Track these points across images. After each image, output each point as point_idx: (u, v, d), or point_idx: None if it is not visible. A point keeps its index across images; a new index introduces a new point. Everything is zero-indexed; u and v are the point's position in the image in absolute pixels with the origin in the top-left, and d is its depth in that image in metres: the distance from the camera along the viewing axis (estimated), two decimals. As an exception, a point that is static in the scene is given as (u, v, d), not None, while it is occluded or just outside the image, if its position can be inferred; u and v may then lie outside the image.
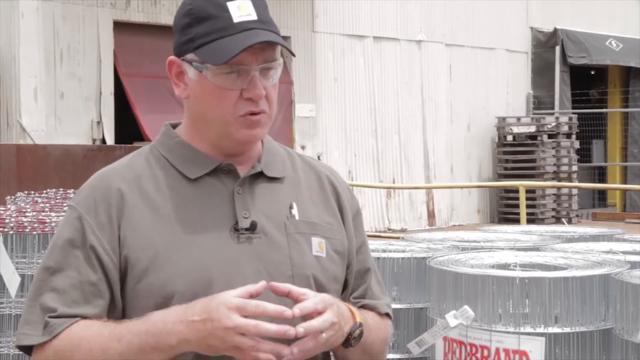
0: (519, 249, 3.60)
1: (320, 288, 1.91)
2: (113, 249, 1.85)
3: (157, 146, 1.98)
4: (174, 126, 2.02)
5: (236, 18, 1.86)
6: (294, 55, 2.02)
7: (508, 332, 2.91)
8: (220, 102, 1.87)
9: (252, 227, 1.89)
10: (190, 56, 1.89)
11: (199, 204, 1.90)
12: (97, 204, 1.88)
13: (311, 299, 1.79)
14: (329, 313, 1.79)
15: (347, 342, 1.87)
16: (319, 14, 14.53)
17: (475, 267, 3.10)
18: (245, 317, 1.70)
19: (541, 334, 2.89)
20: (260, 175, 1.96)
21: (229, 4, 1.87)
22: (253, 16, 1.88)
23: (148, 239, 1.85)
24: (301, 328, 1.74)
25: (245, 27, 1.86)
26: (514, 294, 2.92)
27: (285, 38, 13.90)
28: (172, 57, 1.94)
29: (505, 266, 3.18)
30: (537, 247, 3.71)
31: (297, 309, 1.75)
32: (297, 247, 1.92)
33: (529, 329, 2.91)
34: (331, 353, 2.00)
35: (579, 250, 3.57)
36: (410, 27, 15.80)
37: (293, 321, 1.76)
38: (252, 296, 1.74)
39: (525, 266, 3.18)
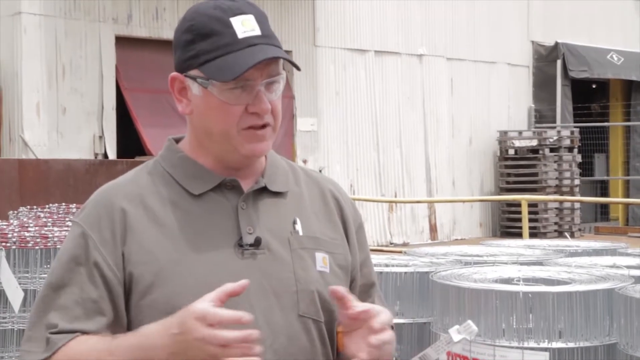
0: (522, 264, 3.59)
1: (324, 303, 1.91)
2: (117, 265, 1.85)
3: (161, 161, 1.98)
4: (177, 140, 2.02)
5: (240, 34, 1.86)
6: (299, 69, 2.01)
7: (512, 347, 2.91)
8: (226, 118, 1.87)
9: (257, 243, 1.88)
10: (194, 72, 1.89)
11: (203, 220, 1.89)
12: (100, 220, 1.88)
13: (383, 313, 1.83)
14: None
15: None
16: (320, 28, 14.56)
17: (478, 282, 3.10)
18: (212, 325, 1.68)
19: (545, 349, 2.88)
20: (264, 190, 1.96)
21: (232, 19, 1.87)
22: (257, 31, 1.88)
23: (152, 255, 1.85)
24: (374, 340, 1.79)
25: (250, 42, 1.86)
26: (518, 309, 2.92)
27: (287, 52, 13.88)
28: (175, 74, 1.93)
29: (508, 281, 3.17)
30: (541, 261, 3.71)
31: (378, 324, 1.80)
32: (302, 263, 1.92)
33: (532, 344, 2.90)
34: None
35: (583, 265, 3.57)
36: (412, 41, 15.83)
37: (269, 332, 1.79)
38: (230, 295, 1.71)
39: (528, 281, 3.18)
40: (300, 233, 1.95)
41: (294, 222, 1.96)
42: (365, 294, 2.05)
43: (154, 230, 1.87)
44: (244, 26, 1.87)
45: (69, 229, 1.96)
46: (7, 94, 11.40)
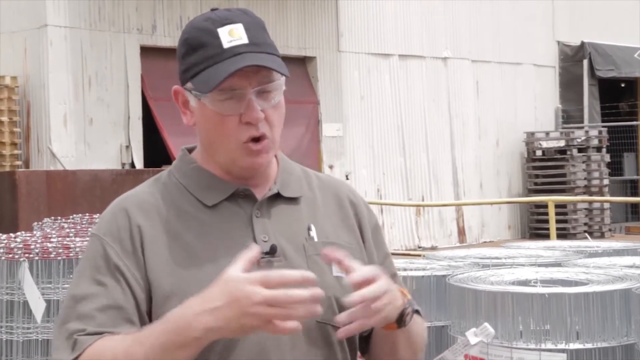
0: (539, 265, 3.58)
1: (341, 308, 1.90)
2: (140, 274, 1.86)
3: (175, 172, 1.99)
4: (190, 150, 2.03)
5: (226, 44, 1.87)
6: (286, 75, 1.94)
7: (529, 349, 2.90)
8: (222, 129, 1.89)
9: (272, 251, 1.89)
10: (189, 85, 1.91)
11: (218, 230, 1.90)
12: (120, 231, 1.90)
13: (368, 268, 1.79)
14: (381, 281, 1.78)
15: (401, 320, 1.86)
16: (344, 34, 14.57)
17: (495, 284, 3.09)
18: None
19: (562, 350, 2.87)
20: (277, 197, 1.97)
21: (219, 30, 1.88)
22: (244, 40, 1.88)
23: (169, 266, 1.86)
24: (356, 296, 1.73)
25: (235, 52, 1.86)
26: (535, 311, 2.91)
27: (311, 58, 13.96)
28: (176, 87, 1.96)
29: (525, 283, 3.17)
30: (559, 262, 3.69)
31: (359, 276, 1.74)
32: (317, 269, 1.91)
33: (550, 346, 2.89)
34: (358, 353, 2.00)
35: (601, 265, 3.55)
36: (436, 44, 15.80)
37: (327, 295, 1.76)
38: (251, 263, 1.71)
39: (546, 282, 3.17)
40: (315, 239, 1.95)
41: (309, 228, 1.96)
42: None
43: (170, 241, 1.89)
44: (231, 36, 1.87)
45: (89, 241, 1.97)
46: (34, 106, 11.51)
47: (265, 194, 1.95)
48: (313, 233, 1.96)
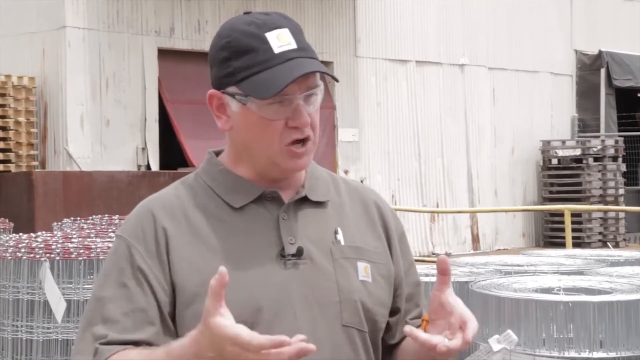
0: (562, 273, 3.57)
1: (367, 313, 1.91)
2: (164, 276, 1.86)
3: (202, 175, 1.99)
4: (217, 153, 2.03)
5: (276, 49, 1.86)
6: (337, 80, 1.99)
7: (552, 357, 2.89)
8: (266, 133, 1.88)
9: (299, 253, 1.89)
10: (232, 89, 1.89)
11: (245, 232, 1.90)
12: (145, 233, 1.90)
13: (465, 314, 1.80)
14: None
15: None
16: (361, 39, 14.58)
17: (518, 291, 3.08)
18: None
19: (586, 359, 2.86)
20: (304, 200, 1.96)
21: (267, 34, 1.87)
22: (293, 45, 1.87)
23: (195, 267, 1.86)
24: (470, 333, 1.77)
25: (287, 57, 1.86)
26: (558, 318, 2.90)
27: (328, 63, 13.97)
28: (213, 91, 1.93)
29: (548, 290, 3.16)
30: (582, 271, 3.68)
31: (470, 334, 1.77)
32: (344, 272, 1.92)
33: (573, 354, 2.88)
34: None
35: (624, 274, 3.53)
36: (453, 51, 15.79)
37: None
38: (222, 287, 1.64)
39: (569, 290, 3.16)
40: (342, 242, 1.95)
41: (336, 232, 1.96)
42: (411, 301, 2.05)
43: (197, 243, 1.88)
44: (280, 40, 1.87)
45: (113, 242, 1.97)
46: (51, 107, 11.55)
47: (292, 197, 1.95)
48: (340, 236, 1.96)
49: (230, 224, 1.91)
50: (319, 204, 1.98)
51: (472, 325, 1.79)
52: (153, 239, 1.89)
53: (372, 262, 1.97)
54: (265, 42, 1.87)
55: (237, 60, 1.88)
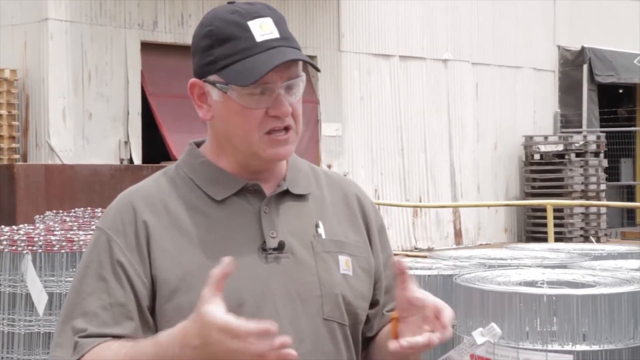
0: (546, 267, 3.58)
1: (348, 306, 1.91)
2: (144, 270, 1.85)
3: (183, 166, 1.98)
4: (199, 144, 2.02)
5: (259, 37, 1.85)
6: (318, 70, 1.99)
7: (535, 350, 2.90)
8: (246, 122, 1.87)
9: (280, 247, 1.88)
10: (213, 78, 1.88)
11: (226, 225, 1.89)
12: (124, 225, 1.88)
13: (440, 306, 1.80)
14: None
15: None
16: (345, 34, 14.57)
17: (502, 285, 3.09)
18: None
19: (569, 352, 2.87)
20: (286, 193, 1.95)
21: (250, 23, 1.87)
22: (275, 34, 1.87)
23: (176, 260, 1.85)
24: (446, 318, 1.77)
25: (269, 45, 1.85)
26: (541, 312, 2.91)
27: (312, 57, 13.95)
28: (194, 80, 1.92)
29: (532, 283, 3.16)
30: (565, 264, 3.69)
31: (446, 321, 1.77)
32: (325, 266, 1.91)
33: (556, 347, 2.89)
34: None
35: (607, 268, 3.55)
36: (437, 46, 15.81)
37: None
38: (223, 278, 1.65)
39: (552, 284, 3.16)
40: (323, 236, 1.95)
41: (317, 226, 1.96)
42: (389, 294, 2.05)
43: (178, 236, 1.87)
44: (262, 29, 1.86)
45: (93, 234, 1.96)
46: (33, 99, 11.49)
47: (274, 190, 1.94)
48: (321, 230, 1.95)
49: (212, 217, 1.89)
50: (300, 197, 1.97)
51: (447, 311, 1.79)
52: (133, 232, 1.87)
53: (353, 256, 1.97)
54: (248, 30, 1.86)
55: (219, 48, 1.87)
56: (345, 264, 1.94)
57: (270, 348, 1.61)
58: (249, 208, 1.91)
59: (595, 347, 2.88)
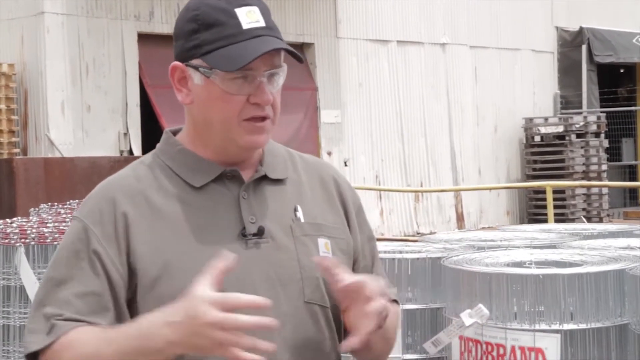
0: (535, 247, 3.59)
1: (329, 288, 1.92)
2: (120, 260, 1.86)
3: (160, 155, 1.99)
4: (175, 132, 2.03)
5: (245, 25, 1.87)
6: (301, 61, 1.98)
7: (523, 330, 2.91)
8: (226, 107, 1.88)
9: (260, 232, 1.90)
10: (196, 62, 1.89)
11: (206, 212, 1.91)
12: (102, 215, 1.89)
13: (370, 283, 1.82)
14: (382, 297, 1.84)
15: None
16: (342, 20, 14.55)
17: (490, 266, 3.10)
18: (226, 311, 1.67)
19: (556, 331, 2.89)
20: (264, 179, 1.97)
21: (237, 10, 1.88)
22: (262, 23, 1.89)
23: (156, 249, 1.86)
24: (373, 313, 1.80)
25: (255, 33, 1.87)
26: (529, 292, 2.92)
27: (309, 45, 13.94)
28: (175, 63, 1.94)
29: (520, 264, 3.17)
30: (554, 244, 3.70)
31: (375, 294, 1.80)
32: (305, 250, 1.93)
33: (544, 326, 2.90)
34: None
35: (596, 247, 3.56)
36: (434, 30, 15.78)
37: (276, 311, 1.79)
38: (224, 273, 1.72)
39: (540, 264, 3.17)
40: (302, 220, 1.96)
41: (295, 209, 1.97)
42: (369, 273, 2.05)
43: (157, 224, 1.88)
44: (249, 17, 1.88)
45: (70, 224, 1.97)
46: (32, 93, 11.50)
47: (252, 176, 1.95)
48: (300, 214, 1.97)
49: (191, 204, 1.91)
50: (278, 182, 1.99)
51: (374, 283, 1.83)
52: (112, 222, 1.88)
53: (332, 238, 1.99)
54: (235, 17, 1.88)
55: (205, 33, 1.89)
56: (324, 246, 1.96)
57: (251, 323, 1.66)
58: (228, 194, 1.93)
59: (583, 326, 2.90)
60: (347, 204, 2.06)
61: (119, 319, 1.85)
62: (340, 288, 1.82)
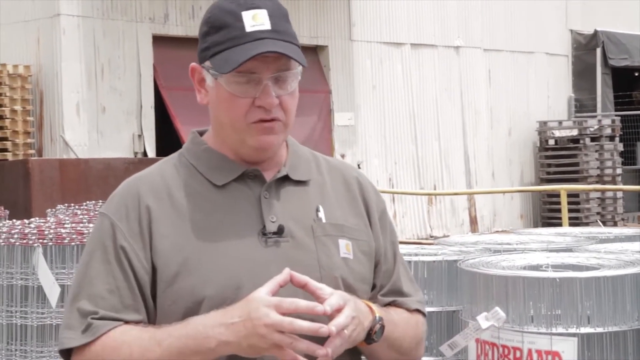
0: (551, 250, 3.58)
1: (348, 289, 1.93)
2: (145, 255, 1.89)
3: (185, 154, 2.02)
4: (201, 133, 2.06)
5: (249, 27, 1.89)
6: (304, 65, 1.96)
7: (540, 333, 2.91)
8: (233, 109, 1.91)
9: (280, 231, 1.91)
10: (207, 64, 1.94)
11: (227, 210, 1.93)
12: (128, 211, 1.92)
13: (335, 295, 1.82)
14: (348, 308, 1.82)
15: (369, 337, 1.89)
16: (356, 23, 14.55)
17: (506, 269, 3.10)
18: (282, 314, 1.74)
19: (573, 335, 2.88)
20: (286, 179, 1.99)
21: (243, 13, 1.91)
22: (266, 26, 1.90)
23: (177, 245, 1.89)
24: (333, 327, 1.77)
25: (257, 36, 1.89)
26: (546, 295, 2.92)
27: (323, 48, 13.94)
28: (193, 64, 1.99)
29: (536, 267, 3.17)
30: (570, 248, 3.69)
31: (328, 306, 1.78)
32: (325, 250, 1.94)
33: (561, 330, 2.90)
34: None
35: (613, 251, 3.55)
36: (448, 33, 15.77)
37: (317, 319, 1.79)
38: (280, 286, 1.78)
39: (557, 267, 3.17)
40: (324, 220, 1.98)
41: (317, 210, 1.98)
42: (388, 278, 2.07)
43: (179, 221, 1.91)
44: (254, 20, 1.90)
45: (97, 219, 2.00)
46: (47, 95, 11.55)
47: (274, 176, 1.97)
48: (321, 214, 1.98)
49: (212, 202, 1.93)
50: (301, 183, 2.01)
51: (332, 300, 1.82)
52: (136, 218, 1.91)
53: (354, 239, 1.99)
54: (240, 20, 1.90)
55: (213, 36, 1.93)
56: (345, 247, 1.97)
57: (309, 328, 1.72)
58: (250, 193, 1.95)
59: (600, 330, 2.89)
60: (370, 207, 2.07)
61: (148, 315, 1.88)
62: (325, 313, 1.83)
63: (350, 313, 1.81)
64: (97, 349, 1.83)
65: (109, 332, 1.83)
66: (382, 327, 1.90)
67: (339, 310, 1.80)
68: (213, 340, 1.75)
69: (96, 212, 4.99)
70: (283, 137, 1.97)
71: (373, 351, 1.96)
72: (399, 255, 2.14)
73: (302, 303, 1.75)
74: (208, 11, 1.97)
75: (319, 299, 1.81)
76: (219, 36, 1.92)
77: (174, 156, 2.04)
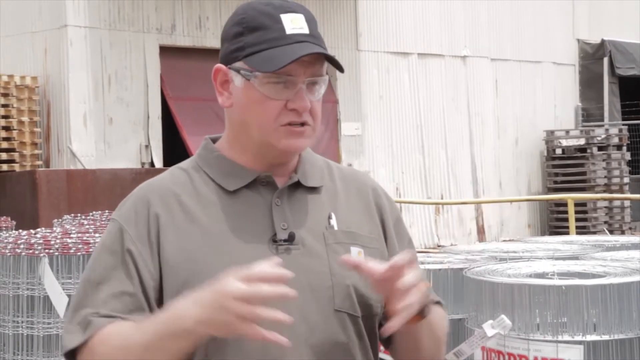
0: (557, 258, 3.58)
1: (360, 297, 1.93)
2: (152, 261, 1.89)
3: (198, 160, 2.02)
4: (214, 140, 2.05)
5: (289, 30, 1.90)
6: (342, 70, 1.98)
7: (546, 341, 2.91)
8: (264, 111, 1.90)
9: (291, 238, 1.91)
10: (238, 64, 1.92)
11: (238, 216, 1.92)
12: (137, 216, 1.92)
13: (399, 260, 1.78)
14: (417, 269, 1.82)
15: (423, 310, 1.87)
16: (363, 33, 14.57)
17: (512, 277, 3.10)
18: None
19: (579, 342, 2.88)
20: (298, 186, 1.98)
21: (282, 16, 1.91)
22: (305, 30, 1.91)
23: (187, 252, 1.88)
24: (407, 281, 1.76)
25: (298, 39, 1.89)
26: (551, 303, 2.91)
27: (330, 57, 13.96)
28: (219, 65, 1.97)
29: (542, 275, 3.17)
30: (576, 256, 3.69)
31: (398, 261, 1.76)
32: (337, 257, 1.92)
33: (567, 337, 2.89)
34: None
35: (619, 259, 3.54)
36: (455, 42, 15.78)
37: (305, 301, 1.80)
38: (262, 279, 1.71)
39: (563, 275, 3.17)
40: (336, 227, 1.97)
41: (329, 217, 1.98)
42: None
43: (189, 227, 1.91)
44: (293, 24, 1.91)
45: (108, 225, 2.00)
46: (54, 105, 11.58)
47: (286, 183, 1.97)
48: (333, 222, 1.97)
49: (223, 208, 1.93)
50: (313, 190, 2.00)
51: (402, 257, 1.79)
52: (145, 224, 1.91)
53: (366, 247, 1.98)
54: (279, 22, 1.91)
55: (249, 36, 1.92)
56: (357, 255, 1.95)
57: (261, 315, 1.67)
58: (261, 200, 1.94)
59: (606, 337, 2.89)
60: (384, 215, 2.06)
61: None
62: (375, 281, 1.81)
63: (419, 273, 1.80)
64: (92, 344, 1.83)
65: (106, 327, 1.83)
66: (434, 302, 1.89)
67: (397, 269, 1.77)
68: (188, 320, 1.72)
69: (103, 222, 4.99)
70: (310, 142, 1.97)
71: (417, 339, 1.92)
72: (416, 260, 2.12)
73: (271, 270, 1.69)
74: (239, 13, 1.96)
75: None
76: (255, 37, 1.91)
77: (186, 162, 2.04)
